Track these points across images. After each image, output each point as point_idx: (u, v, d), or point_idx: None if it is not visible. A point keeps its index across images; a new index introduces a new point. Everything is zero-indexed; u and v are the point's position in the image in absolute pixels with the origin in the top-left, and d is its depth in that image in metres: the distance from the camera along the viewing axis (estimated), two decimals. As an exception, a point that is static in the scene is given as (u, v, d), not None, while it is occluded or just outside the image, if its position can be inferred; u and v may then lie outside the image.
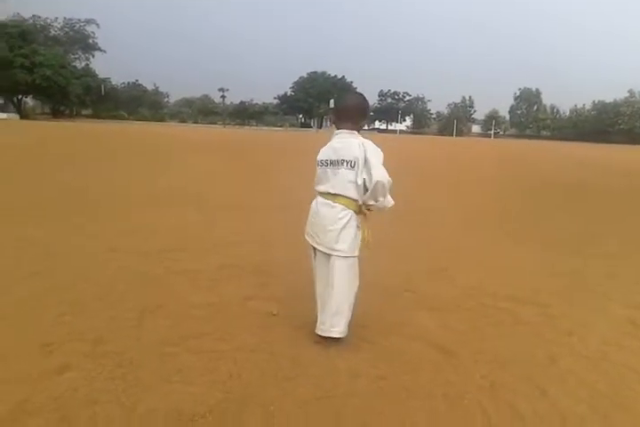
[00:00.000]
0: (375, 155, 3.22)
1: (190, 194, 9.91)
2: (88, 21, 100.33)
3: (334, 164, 3.28)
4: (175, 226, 6.87)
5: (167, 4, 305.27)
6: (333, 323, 3.31)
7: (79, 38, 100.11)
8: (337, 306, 3.30)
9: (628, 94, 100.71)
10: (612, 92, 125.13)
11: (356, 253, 3.36)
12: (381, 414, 2.60)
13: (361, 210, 3.33)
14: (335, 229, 3.26)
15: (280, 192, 10.49)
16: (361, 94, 3.57)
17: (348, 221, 3.27)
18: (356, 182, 3.21)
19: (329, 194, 3.30)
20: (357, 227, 3.33)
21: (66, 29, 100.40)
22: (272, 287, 4.46)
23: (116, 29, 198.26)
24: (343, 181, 3.23)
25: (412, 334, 3.61)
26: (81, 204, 8.25)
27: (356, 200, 3.27)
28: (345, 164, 3.23)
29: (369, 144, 3.25)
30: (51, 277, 4.49)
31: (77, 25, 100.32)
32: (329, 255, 3.31)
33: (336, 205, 3.27)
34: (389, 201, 3.35)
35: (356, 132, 3.36)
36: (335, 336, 3.32)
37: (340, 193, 3.26)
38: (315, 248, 3.42)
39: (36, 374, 2.80)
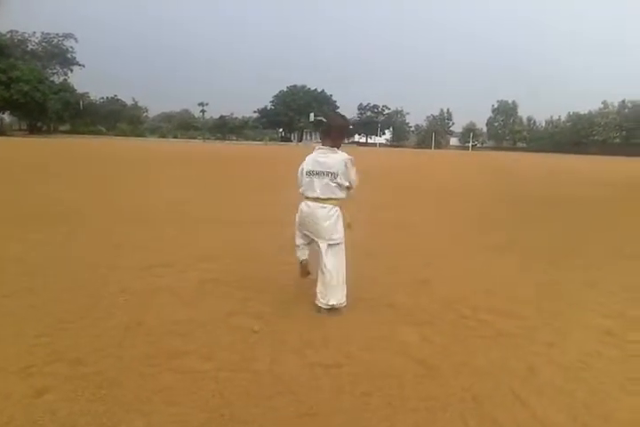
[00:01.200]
0: (353, 167, 4.19)
1: (170, 208, 9.86)
2: (66, 36, 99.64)
3: (320, 174, 4.14)
4: (156, 241, 6.83)
5: (147, 18, 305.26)
6: (330, 294, 4.18)
7: (57, 53, 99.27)
8: (334, 280, 4.18)
9: (602, 105, 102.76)
10: (587, 104, 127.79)
11: (343, 240, 4.27)
12: (365, 430, 2.60)
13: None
14: (330, 223, 4.17)
15: (257, 207, 10.47)
16: (342, 116, 4.58)
17: (337, 215, 4.22)
18: (342, 186, 4.16)
19: (319, 199, 4.16)
20: (340, 217, 4.24)
21: (44, 44, 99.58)
22: (254, 303, 4.45)
23: (94, 44, 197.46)
24: (330, 187, 4.14)
25: (394, 349, 3.62)
26: (61, 220, 8.16)
27: (340, 199, 4.23)
28: (330, 175, 4.11)
29: (349, 161, 4.16)
30: (31, 296, 4.43)
31: (55, 39, 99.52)
32: (325, 244, 4.18)
33: (326, 205, 4.17)
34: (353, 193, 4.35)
35: (337, 149, 4.23)
36: (334, 305, 4.20)
37: (329, 196, 4.16)
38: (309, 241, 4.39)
39: (17, 396, 2.76)
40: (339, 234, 4.21)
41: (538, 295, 5.05)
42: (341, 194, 4.21)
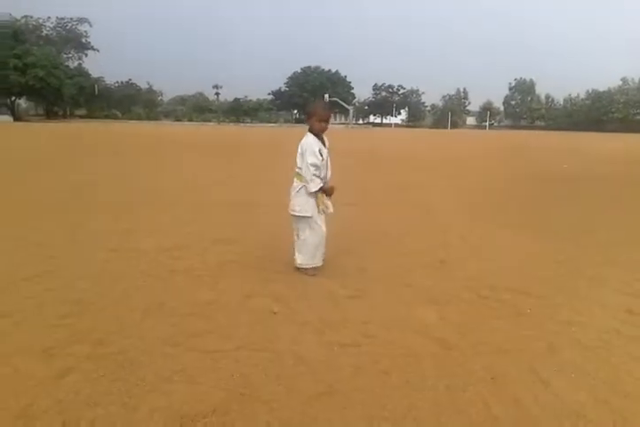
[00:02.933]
0: (305, 152, 4.50)
1: (185, 191, 9.90)
2: (80, 20, 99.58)
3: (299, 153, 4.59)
4: (174, 224, 6.87)
5: (161, 1, 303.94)
6: (296, 254, 4.77)
7: (71, 37, 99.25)
8: (297, 244, 4.76)
9: (621, 82, 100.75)
10: (606, 81, 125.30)
11: (307, 214, 4.57)
12: (385, 408, 2.61)
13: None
14: (292, 196, 4.65)
15: (275, 188, 10.46)
16: (312, 103, 5.20)
17: (300, 191, 4.57)
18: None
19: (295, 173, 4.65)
20: (309, 195, 4.55)
21: (58, 29, 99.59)
22: (273, 284, 4.46)
23: (108, 28, 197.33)
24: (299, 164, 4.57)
25: (412, 328, 3.62)
26: (78, 202, 8.24)
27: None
28: (298, 154, 4.58)
29: (301, 146, 4.56)
30: (52, 279, 4.49)
31: (70, 24, 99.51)
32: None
33: (295, 179, 4.63)
34: (311, 178, 4.50)
35: (308, 132, 4.62)
36: (298, 264, 4.77)
37: (297, 172, 4.60)
38: None
39: (39, 377, 2.81)
40: (299, 207, 4.59)
41: (557, 274, 5.01)
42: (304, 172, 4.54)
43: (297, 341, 3.38)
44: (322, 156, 4.53)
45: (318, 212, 4.61)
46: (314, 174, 4.47)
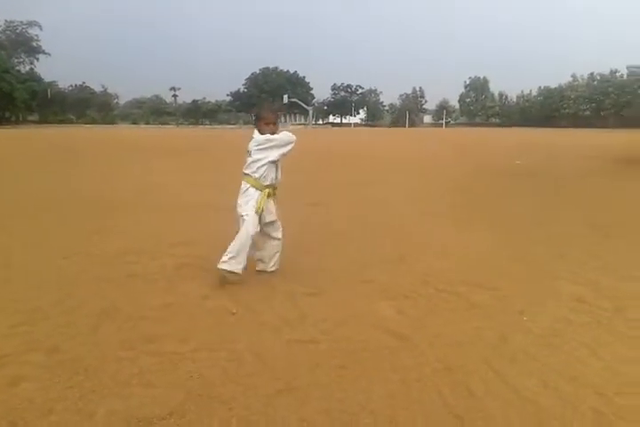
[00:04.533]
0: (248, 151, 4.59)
1: (144, 195, 9.78)
2: (30, 23, 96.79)
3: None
4: (131, 228, 6.78)
5: (113, 2, 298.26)
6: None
7: (22, 41, 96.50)
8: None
9: (571, 79, 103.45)
10: (557, 78, 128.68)
11: (243, 213, 4.45)
12: (342, 402, 2.66)
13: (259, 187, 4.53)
14: (239, 196, 4.58)
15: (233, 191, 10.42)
16: (259, 105, 5.55)
17: (244, 192, 4.53)
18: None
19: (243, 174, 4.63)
20: (251, 195, 4.49)
21: (7, 32, 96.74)
22: (231, 286, 4.45)
23: (60, 31, 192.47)
24: (246, 165, 4.60)
25: (369, 323, 3.68)
26: (36, 210, 8.05)
27: (252, 178, 4.52)
28: (248, 155, 4.60)
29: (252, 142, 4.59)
30: (6, 287, 4.40)
31: (19, 27, 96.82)
32: None
33: (242, 182, 4.60)
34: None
35: (256, 131, 4.65)
36: (223, 268, 4.35)
37: (245, 172, 4.60)
38: None
39: (-10, 386, 2.75)
40: (241, 208, 4.49)
41: (510, 266, 5.15)
42: (253, 174, 4.52)
43: (256, 340, 3.39)
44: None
45: (255, 212, 4.46)
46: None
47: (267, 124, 4.57)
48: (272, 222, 4.68)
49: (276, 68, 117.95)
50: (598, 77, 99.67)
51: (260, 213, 4.48)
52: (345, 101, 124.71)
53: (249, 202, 4.48)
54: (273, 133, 4.58)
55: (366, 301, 4.13)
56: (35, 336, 3.41)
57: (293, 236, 5.41)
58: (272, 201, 4.67)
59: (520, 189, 11.23)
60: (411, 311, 3.92)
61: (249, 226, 4.41)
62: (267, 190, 4.54)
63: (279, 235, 4.77)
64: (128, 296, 4.18)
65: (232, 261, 4.34)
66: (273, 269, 4.83)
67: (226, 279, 4.40)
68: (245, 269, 4.46)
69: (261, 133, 4.59)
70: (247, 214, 4.43)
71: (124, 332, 3.49)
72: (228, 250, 4.37)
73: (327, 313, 3.85)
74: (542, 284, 4.63)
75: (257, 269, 4.82)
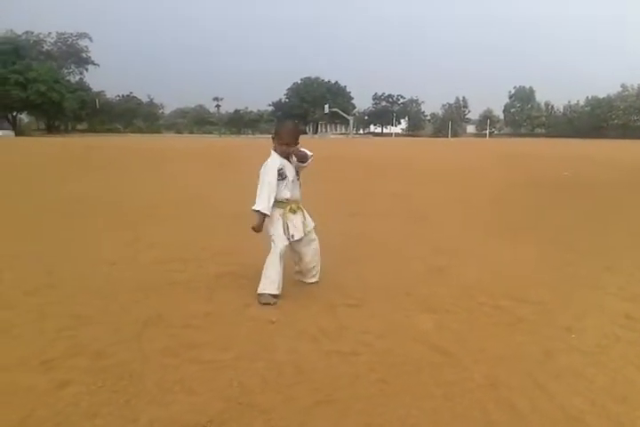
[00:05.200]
0: (262, 171, 4.48)
1: (185, 203, 9.94)
2: (80, 35, 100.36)
3: None
4: (172, 236, 6.90)
5: (159, 15, 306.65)
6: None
7: (72, 52, 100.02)
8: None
9: (620, 89, 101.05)
10: (606, 88, 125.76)
11: (270, 233, 4.47)
12: (383, 416, 2.62)
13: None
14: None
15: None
16: (279, 122, 5.21)
17: (273, 215, 4.43)
18: None
19: None
20: (278, 216, 4.46)
21: (59, 44, 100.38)
22: (271, 295, 4.47)
23: (108, 42, 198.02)
24: None
25: (410, 336, 3.63)
26: (77, 215, 8.27)
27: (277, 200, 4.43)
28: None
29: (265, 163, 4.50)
30: (52, 292, 4.51)
31: (70, 39, 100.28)
32: None
33: None
34: (258, 195, 4.46)
35: (272, 150, 4.55)
36: (259, 292, 4.34)
37: None
38: None
39: (38, 389, 2.82)
40: (269, 233, 4.46)
41: (555, 280, 5.02)
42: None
43: (295, 350, 3.39)
44: (285, 175, 4.42)
45: (280, 235, 4.41)
46: (266, 194, 4.35)
47: (282, 144, 4.45)
48: (302, 238, 4.54)
49: (318, 77, 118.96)
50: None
51: (286, 231, 4.42)
52: (386, 111, 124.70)
53: (273, 221, 4.44)
54: (286, 154, 4.47)
55: (407, 313, 4.09)
56: (80, 341, 3.49)
57: (334, 246, 5.41)
58: (299, 217, 4.53)
59: (567, 201, 10.97)
60: (452, 325, 3.85)
61: (275, 246, 4.40)
62: (288, 206, 4.47)
63: (310, 250, 4.67)
64: (171, 304, 4.24)
65: (265, 281, 4.34)
66: (312, 280, 4.82)
67: (267, 300, 4.30)
68: (280, 288, 4.38)
69: (276, 151, 4.50)
70: (273, 234, 4.43)
71: (167, 339, 3.53)
72: (263, 273, 4.38)
73: (367, 325, 3.83)
74: (588, 298, 4.50)
75: (296, 278, 4.85)
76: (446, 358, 3.30)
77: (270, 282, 4.32)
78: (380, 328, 3.77)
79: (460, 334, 3.69)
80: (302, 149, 4.43)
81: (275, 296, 4.32)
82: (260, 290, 4.33)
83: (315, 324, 3.85)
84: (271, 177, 4.35)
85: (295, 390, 2.87)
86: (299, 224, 4.49)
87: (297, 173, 4.55)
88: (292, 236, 4.44)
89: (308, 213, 4.69)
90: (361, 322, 3.89)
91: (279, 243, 4.41)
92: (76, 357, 3.24)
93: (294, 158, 4.47)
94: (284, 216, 4.44)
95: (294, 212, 4.50)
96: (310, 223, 4.62)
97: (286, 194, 4.45)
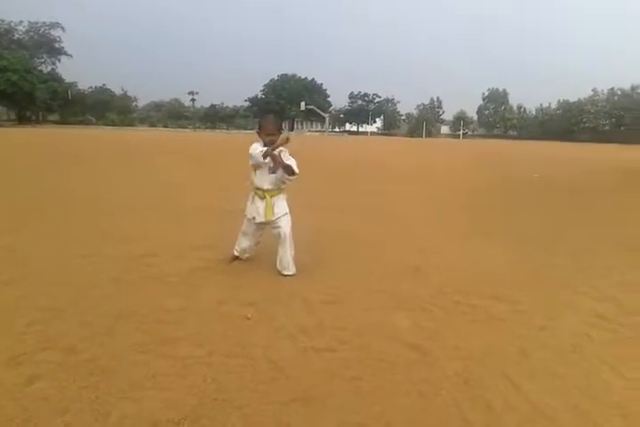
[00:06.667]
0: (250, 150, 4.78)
1: (161, 197, 9.81)
2: (53, 25, 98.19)
3: None
4: (147, 230, 6.79)
5: (135, 6, 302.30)
6: None
7: (44, 42, 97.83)
8: None
9: (592, 93, 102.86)
10: (577, 92, 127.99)
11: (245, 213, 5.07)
12: (358, 414, 2.62)
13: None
14: None
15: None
16: (261, 117, 5.45)
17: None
18: None
19: None
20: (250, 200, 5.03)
21: (31, 33, 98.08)
22: (247, 290, 4.44)
23: (82, 33, 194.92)
24: None
25: (386, 334, 3.63)
26: (52, 208, 8.10)
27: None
28: None
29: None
30: (23, 285, 4.40)
31: (42, 28, 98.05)
32: None
33: None
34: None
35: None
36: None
37: None
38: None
39: (6, 385, 2.75)
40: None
41: (529, 280, 5.08)
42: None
43: (271, 346, 3.37)
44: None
45: (246, 214, 5.02)
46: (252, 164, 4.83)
47: (267, 135, 4.78)
48: (266, 223, 4.94)
49: (295, 75, 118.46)
50: (619, 92, 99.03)
51: (248, 211, 5.00)
52: (362, 110, 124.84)
53: (247, 199, 5.04)
54: (272, 143, 4.70)
55: (383, 311, 4.09)
56: (50, 335, 3.41)
57: (311, 242, 5.39)
58: (264, 203, 4.86)
59: (538, 203, 11.12)
60: (428, 323, 3.87)
61: (244, 226, 5.13)
62: (259, 192, 4.90)
63: (274, 236, 5.00)
64: (144, 298, 4.17)
65: (236, 246, 5.27)
66: (285, 272, 4.87)
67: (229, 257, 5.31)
68: (241, 253, 5.24)
69: (263, 141, 4.80)
70: (246, 215, 5.05)
71: (140, 334, 3.47)
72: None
73: (344, 322, 3.82)
74: (562, 298, 4.56)
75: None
76: (421, 356, 3.31)
77: (236, 245, 5.24)
78: (356, 325, 3.76)
79: (435, 331, 3.71)
80: (289, 164, 4.71)
81: (234, 258, 5.26)
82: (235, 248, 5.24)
83: (291, 320, 3.82)
84: (252, 150, 4.74)
85: (271, 387, 2.85)
86: (262, 210, 4.87)
87: (274, 171, 4.79)
88: (253, 218, 4.93)
89: (289, 204, 4.96)
90: (337, 319, 3.88)
91: (244, 218, 5.08)
92: (45, 351, 3.16)
93: (280, 170, 4.75)
94: (253, 198, 4.96)
95: (262, 198, 4.87)
96: (278, 213, 4.87)
97: (259, 182, 4.87)
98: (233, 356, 3.20)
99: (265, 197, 4.85)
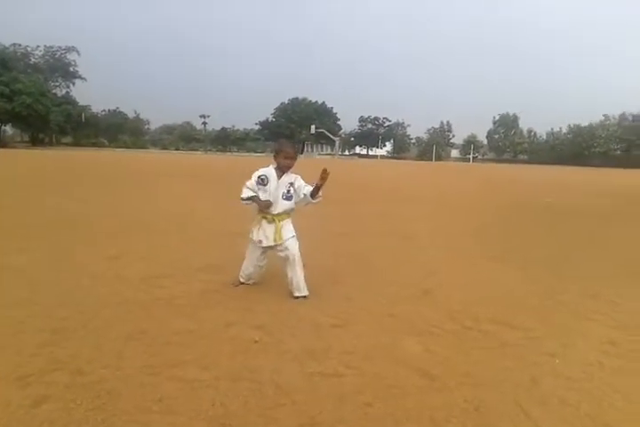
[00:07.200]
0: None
1: (172, 219, 9.86)
2: (69, 49, 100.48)
3: None
4: (158, 252, 6.81)
5: (149, 30, 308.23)
6: None
7: (59, 66, 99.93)
8: None
9: (603, 118, 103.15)
10: (588, 117, 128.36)
11: (250, 235, 5.02)
12: (367, 441, 2.57)
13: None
14: None
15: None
16: (279, 140, 5.63)
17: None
18: None
19: None
20: (256, 221, 4.98)
21: (46, 57, 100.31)
22: (255, 313, 4.42)
23: (96, 57, 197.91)
24: None
25: (396, 359, 3.60)
26: (62, 229, 8.15)
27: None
28: None
29: None
30: (33, 305, 4.41)
31: (58, 53, 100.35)
32: None
33: None
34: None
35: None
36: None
37: None
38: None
39: (13, 405, 2.74)
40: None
41: (540, 306, 5.02)
42: None
43: (278, 370, 3.34)
44: (266, 182, 4.83)
45: (253, 238, 4.95)
46: (248, 187, 4.89)
47: (285, 158, 4.83)
48: (274, 247, 4.90)
49: (305, 98, 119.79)
50: (630, 117, 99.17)
51: (255, 235, 4.93)
52: (372, 133, 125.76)
53: (253, 223, 5.01)
54: (289, 167, 4.88)
55: (392, 335, 4.05)
56: (59, 356, 3.40)
57: (321, 265, 5.38)
58: (272, 227, 4.85)
59: (550, 227, 11.06)
60: (437, 349, 3.82)
61: (250, 250, 5.12)
62: (266, 215, 4.87)
63: (281, 259, 4.96)
64: (153, 320, 4.16)
65: (241, 272, 5.26)
66: (297, 294, 4.88)
67: (235, 283, 5.28)
68: (247, 279, 5.23)
69: (279, 166, 4.88)
70: (250, 233, 5.02)
71: (148, 356, 3.46)
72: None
73: (352, 346, 3.78)
74: (573, 325, 4.50)
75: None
76: (432, 382, 3.27)
77: (241, 271, 5.21)
78: (365, 350, 3.73)
79: (445, 357, 3.66)
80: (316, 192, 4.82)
81: (241, 282, 5.24)
82: (240, 274, 5.23)
83: (298, 343, 3.80)
84: (252, 179, 4.89)
85: (278, 412, 2.82)
86: (270, 234, 4.84)
87: (290, 196, 4.85)
88: (260, 241, 4.87)
89: (295, 227, 4.96)
90: (346, 343, 3.85)
91: (250, 242, 5.03)
92: (54, 373, 3.15)
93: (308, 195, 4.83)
94: (259, 222, 4.89)
95: (270, 222, 4.85)
96: (286, 235, 4.84)
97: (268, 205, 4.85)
98: (240, 380, 3.18)
99: (274, 221, 4.84)
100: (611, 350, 3.92)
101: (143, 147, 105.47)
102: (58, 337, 3.72)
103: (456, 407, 2.94)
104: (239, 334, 3.96)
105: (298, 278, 4.86)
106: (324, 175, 4.64)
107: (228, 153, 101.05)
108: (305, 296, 4.87)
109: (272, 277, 5.36)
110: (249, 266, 5.12)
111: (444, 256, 7.39)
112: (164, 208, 11.75)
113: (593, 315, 4.76)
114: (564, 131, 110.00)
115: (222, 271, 5.79)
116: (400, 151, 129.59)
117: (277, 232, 4.82)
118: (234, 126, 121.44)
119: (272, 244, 4.83)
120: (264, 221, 4.86)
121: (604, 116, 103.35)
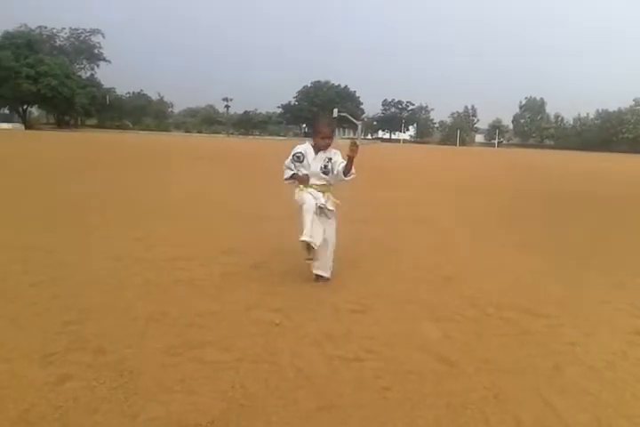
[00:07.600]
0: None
1: (194, 202, 9.93)
2: (93, 31, 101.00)
3: None
4: (180, 234, 6.88)
5: (173, 14, 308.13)
6: None
7: (84, 48, 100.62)
8: None
9: (633, 103, 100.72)
10: (617, 102, 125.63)
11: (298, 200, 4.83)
12: (385, 425, 2.58)
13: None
14: None
15: (283, 202, 10.47)
16: (317, 117, 5.58)
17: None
18: None
19: None
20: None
21: (71, 39, 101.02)
22: (276, 296, 4.45)
23: (121, 39, 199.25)
24: None
25: (415, 345, 3.59)
26: (88, 212, 8.27)
27: None
28: None
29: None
30: (57, 285, 4.50)
31: (83, 35, 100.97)
32: None
33: None
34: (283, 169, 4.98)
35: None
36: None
37: None
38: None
39: (38, 383, 2.80)
40: (297, 201, 4.88)
41: (563, 294, 4.97)
42: None
43: (298, 353, 3.36)
44: (302, 159, 4.79)
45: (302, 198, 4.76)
46: (287, 167, 4.87)
47: (323, 138, 4.74)
48: (321, 210, 4.75)
49: (328, 82, 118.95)
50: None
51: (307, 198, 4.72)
52: (395, 117, 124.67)
53: (296, 194, 4.87)
54: (327, 147, 4.78)
55: (412, 321, 4.05)
56: (83, 336, 3.47)
57: (343, 250, 5.37)
58: (319, 194, 4.77)
59: (578, 216, 10.89)
60: (457, 335, 3.81)
61: (303, 204, 4.73)
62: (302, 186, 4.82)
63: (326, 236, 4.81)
64: (175, 302, 4.21)
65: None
66: (317, 272, 4.90)
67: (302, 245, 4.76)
68: (308, 236, 4.59)
69: (316, 146, 4.79)
70: (298, 199, 4.79)
71: (170, 337, 3.51)
72: None
73: (372, 331, 3.79)
74: (597, 314, 4.44)
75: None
76: (451, 368, 3.26)
77: (301, 230, 4.65)
78: (385, 335, 3.73)
79: (465, 344, 3.65)
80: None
81: (305, 245, 4.67)
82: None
83: (319, 328, 3.81)
84: (289, 157, 4.85)
85: (297, 395, 2.83)
86: (319, 196, 4.73)
87: (328, 171, 4.75)
88: (309, 200, 4.67)
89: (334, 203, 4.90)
90: (366, 328, 3.85)
91: (305, 202, 4.68)
92: (77, 351, 3.22)
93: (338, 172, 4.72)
94: (301, 190, 4.78)
95: (316, 191, 4.77)
96: (329, 206, 4.79)
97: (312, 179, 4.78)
98: (260, 362, 3.21)
99: (320, 192, 4.78)
100: (636, 340, 3.86)
101: (166, 130, 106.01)
102: (81, 317, 3.79)
103: (474, 394, 2.93)
104: (260, 316, 3.99)
105: (326, 259, 4.85)
106: (354, 148, 4.56)
107: (250, 136, 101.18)
108: (327, 278, 4.88)
109: (293, 262, 5.37)
110: (305, 222, 4.66)
111: (467, 242, 7.34)
112: (187, 191, 11.82)
113: (618, 304, 4.69)
114: (592, 116, 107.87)
115: (245, 254, 5.84)
116: (423, 136, 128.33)
117: (328, 199, 4.80)
118: (256, 110, 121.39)
119: (323, 202, 4.73)
120: (310, 189, 4.77)
121: (634, 100, 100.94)
